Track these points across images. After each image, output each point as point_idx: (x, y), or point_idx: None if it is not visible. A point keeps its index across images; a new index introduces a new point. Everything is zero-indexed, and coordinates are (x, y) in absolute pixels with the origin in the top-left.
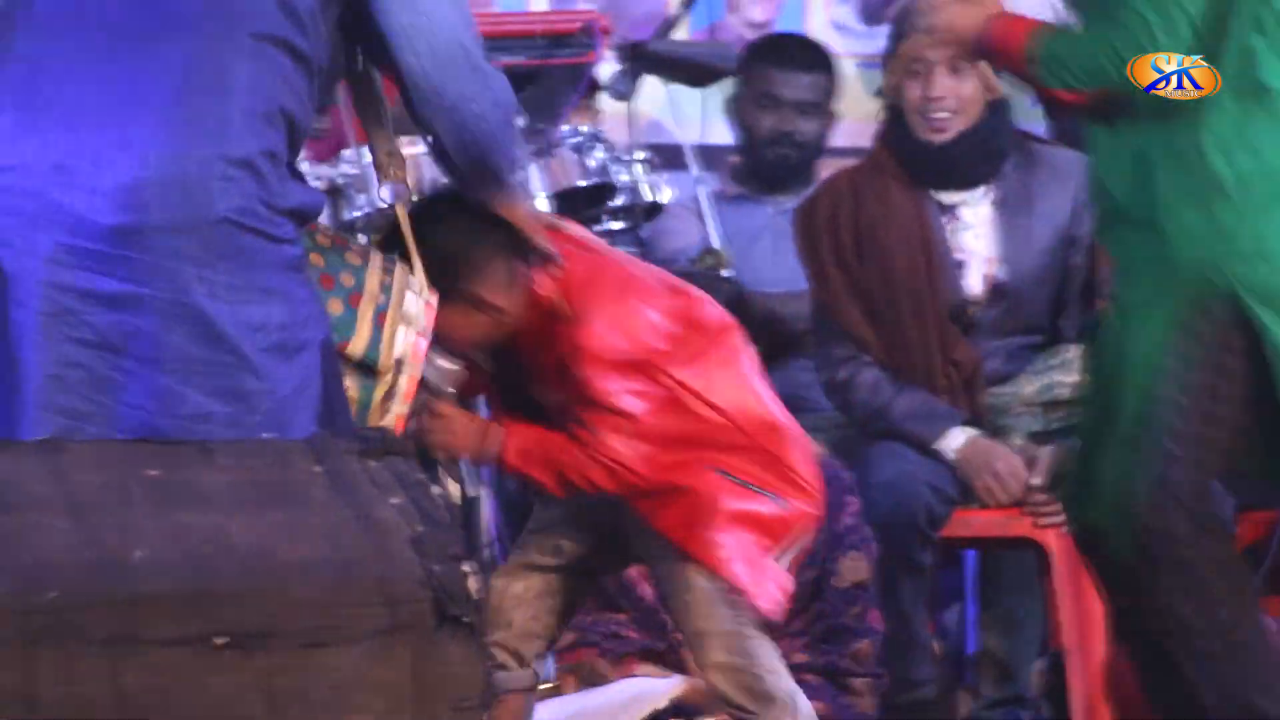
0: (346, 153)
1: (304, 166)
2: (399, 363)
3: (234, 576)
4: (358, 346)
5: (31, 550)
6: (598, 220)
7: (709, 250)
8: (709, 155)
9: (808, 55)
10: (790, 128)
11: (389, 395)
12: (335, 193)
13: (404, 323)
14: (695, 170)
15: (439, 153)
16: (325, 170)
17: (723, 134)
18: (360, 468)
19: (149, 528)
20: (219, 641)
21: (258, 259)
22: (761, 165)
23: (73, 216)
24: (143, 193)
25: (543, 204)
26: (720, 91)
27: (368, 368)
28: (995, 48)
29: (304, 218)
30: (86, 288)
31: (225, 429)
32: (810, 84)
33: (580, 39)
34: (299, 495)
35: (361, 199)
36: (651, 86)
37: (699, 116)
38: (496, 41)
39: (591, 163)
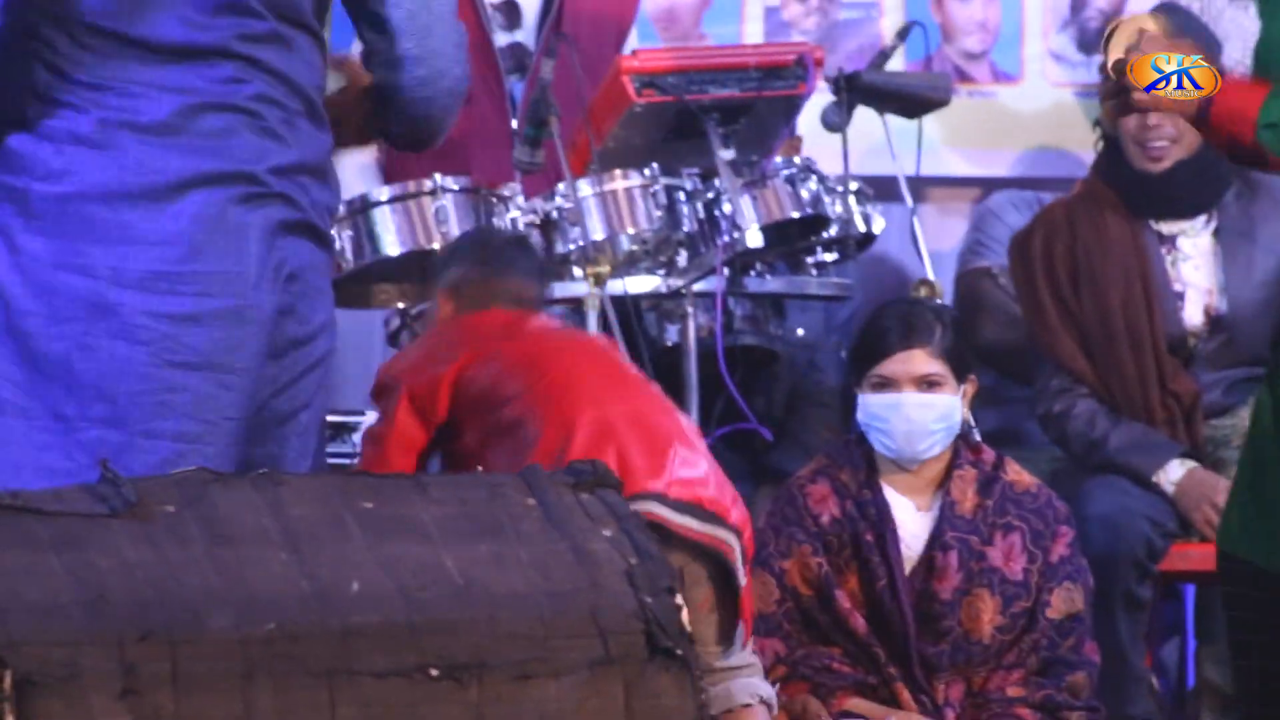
0: (560, 186)
1: (518, 200)
2: None
3: (447, 608)
4: None
5: (250, 582)
6: (810, 252)
7: (923, 281)
8: (924, 187)
9: None
10: None
11: None
12: (548, 226)
13: None
14: (909, 202)
15: (384, 102)
16: (539, 204)
17: (937, 165)
18: (573, 500)
19: (364, 559)
20: (432, 672)
21: None
22: None
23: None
24: None
25: (755, 235)
26: (936, 122)
27: None
28: (1221, 119)
29: None
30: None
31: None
32: None
33: (794, 71)
34: (512, 528)
35: (575, 232)
36: (865, 118)
37: (914, 148)
38: (710, 75)
39: (804, 194)
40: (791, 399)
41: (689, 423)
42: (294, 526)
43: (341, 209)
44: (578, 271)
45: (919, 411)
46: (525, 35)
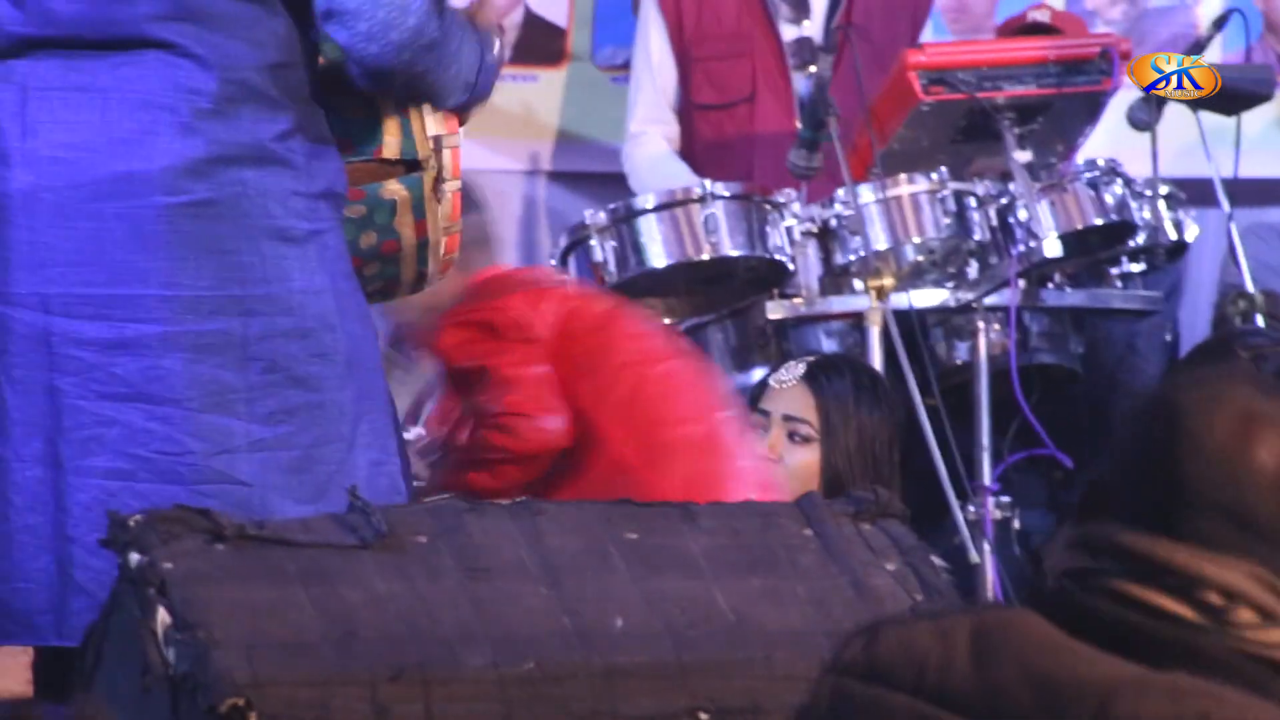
0: (840, 193)
1: (794, 208)
2: (436, 140)
3: (717, 647)
4: (392, 146)
5: (507, 618)
6: (1115, 262)
7: (1241, 294)
8: (1242, 190)
9: None
10: None
11: (438, 179)
12: (826, 235)
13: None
14: (1226, 207)
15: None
16: (817, 211)
17: (1258, 166)
18: (853, 531)
19: (628, 594)
20: (702, 717)
21: None
22: None
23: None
24: None
25: (1053, 244)
26: (1257, 119)
27: (409, 163)
28: None
29: None
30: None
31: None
32: None
33: (1097, 65)
34: (787, 560)
35: (855, 241)
36: (1177, 115)
37: (1231, 147)
38: (1004, 70)
39: (1109, 199)
40: (1095, 422)
41: None
42: (553, 558)
43: (604, 217)
44: (858, 284)
45: None
46: (813, 29)
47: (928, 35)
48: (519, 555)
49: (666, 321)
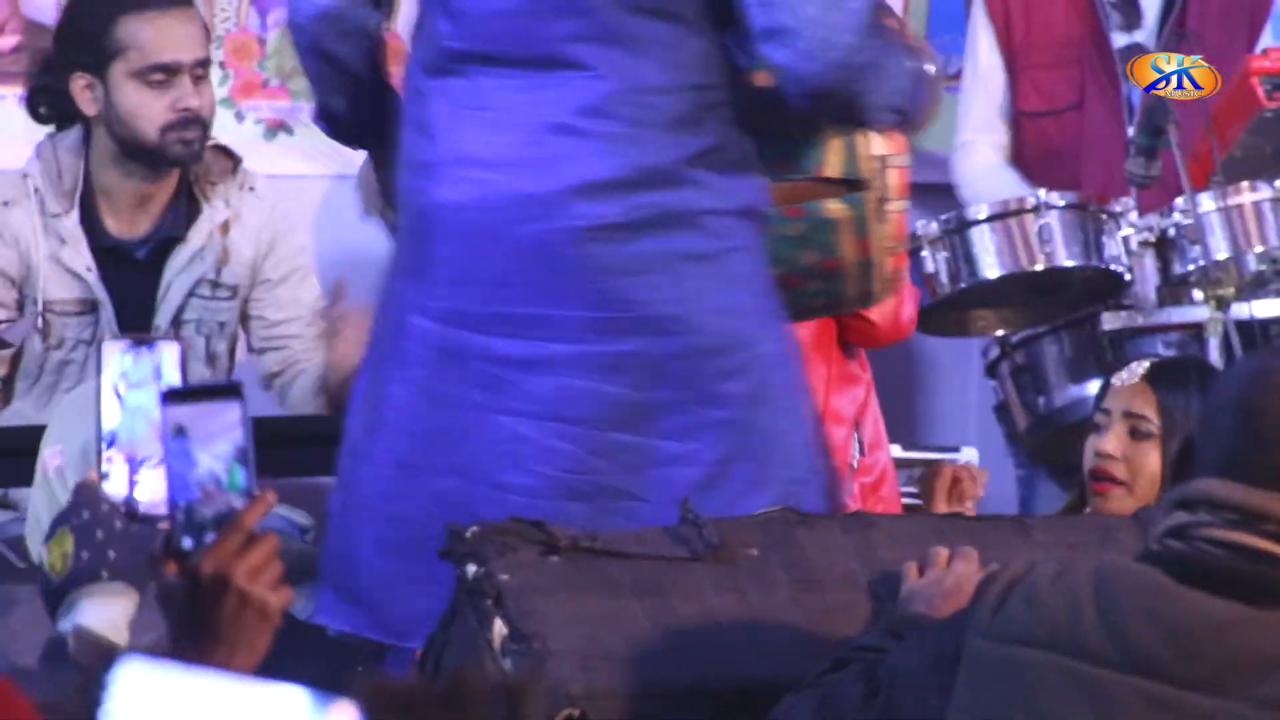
0: (1179, 201)
1: (1131, 217)
2: (881, 159)
3: None
4: (834, 165)
5: (838, 631)
6: None
7: None
8: None
9: None
10: None
11: (882, 199)
12: (1164, 244)
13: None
14: None
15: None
16: (1154, 220)
17: None
18: None
19: None
20: None
21: None
22: None
23: None
24: None
25: None
26: None
27: (851, 182)
28: None
29: None
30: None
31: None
32: None
33: None
34: None
35: (1195, 250)
36: None
37: None
38: None
39: None
40: None
41: None
42: (885, 571)
43: (935, 228)
44: (1198, 294)
45: None
46: (1145, 36)
47: (1266, 40)
48: (850, 568)
49: (999, 334)
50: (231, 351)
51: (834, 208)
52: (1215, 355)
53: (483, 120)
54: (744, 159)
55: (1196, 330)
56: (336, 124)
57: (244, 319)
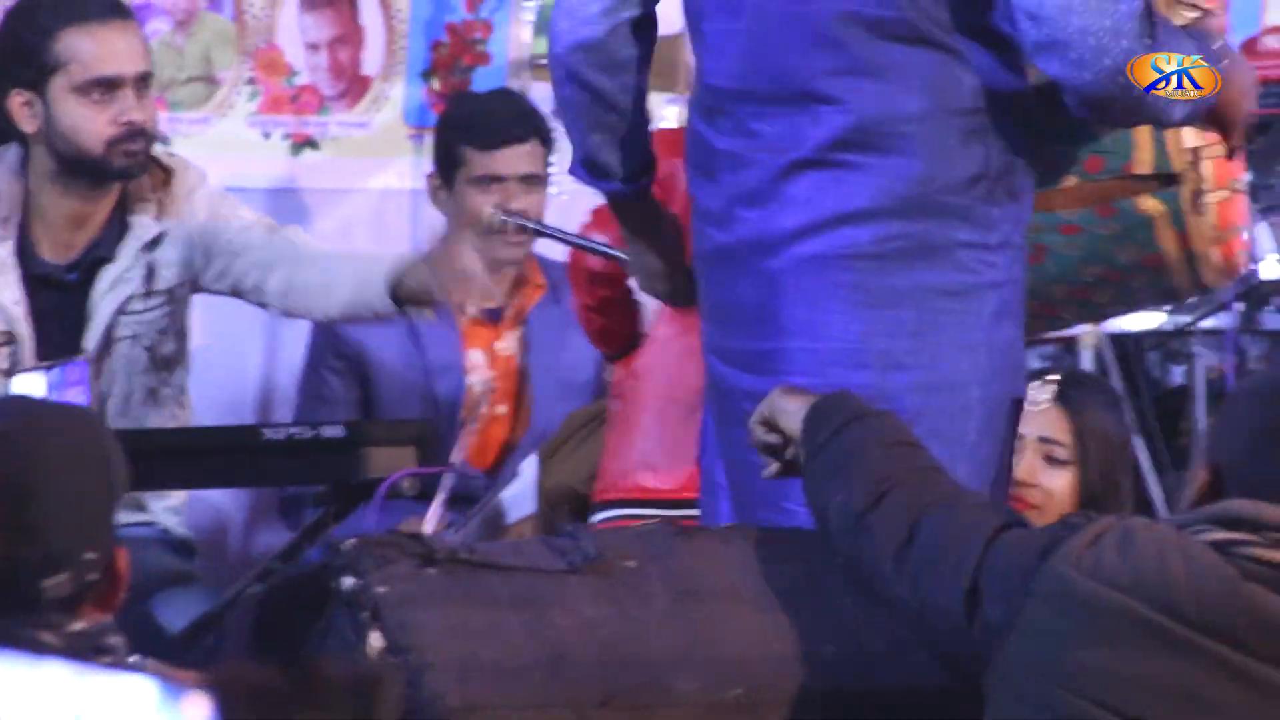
0: None
1: None
2: (1194, 152)
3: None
4: (1144, 161)
5: (718, 644)
6: None
7: None
8: None
9: None
10: None
11: (1197, 191)
12: None
13: None
14: None
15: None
16: None
17: None
18: None
19: (840, 621)
20: None
21: None
22: None
23: None
24: None
25: (1273, 266)
26: None
27: (1164, 177)
28: None
29: None
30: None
31: None
32: None
33: None
34: None
35: None
36: None
37: None
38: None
39: None
40: None
41: None
42: (765, 584)
43: None
44: None
45: None
46: None
47: None
48: (730, 580)
49: None
50: (181, 334)
51: (1147, 204)
52: (1090, 367)
53: (738, 160)
54: (1016, 186)
55: (1070, 344)
56: (594, 166)
57: (239, 294)
